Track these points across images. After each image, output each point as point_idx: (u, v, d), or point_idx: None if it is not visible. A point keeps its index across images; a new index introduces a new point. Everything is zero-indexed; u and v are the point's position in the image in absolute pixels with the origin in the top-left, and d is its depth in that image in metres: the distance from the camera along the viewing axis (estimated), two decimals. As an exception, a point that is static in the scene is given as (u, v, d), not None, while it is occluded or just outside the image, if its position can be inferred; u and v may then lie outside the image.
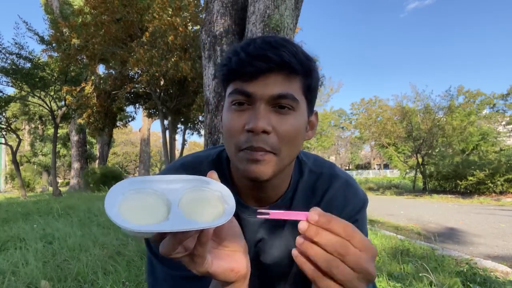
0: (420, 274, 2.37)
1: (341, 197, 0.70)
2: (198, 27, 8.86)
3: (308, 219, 0.38)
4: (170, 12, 8.54)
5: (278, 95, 0.54)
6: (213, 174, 0.45)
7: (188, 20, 8.80)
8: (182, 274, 0.60)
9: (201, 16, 9.11)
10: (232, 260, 0.47)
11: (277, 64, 0.52)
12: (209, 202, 0.42)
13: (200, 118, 14.29)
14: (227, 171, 0.68)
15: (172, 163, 0.74)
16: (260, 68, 0.52)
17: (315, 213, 0.39)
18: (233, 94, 0.56)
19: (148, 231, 0.36)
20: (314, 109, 0.65)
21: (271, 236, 0.70)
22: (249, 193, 0.66)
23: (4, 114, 13.59)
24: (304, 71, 0.56)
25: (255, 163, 0.55)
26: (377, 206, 8.89)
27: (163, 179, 0.42)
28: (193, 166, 0.69)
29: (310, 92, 0.59)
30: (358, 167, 49.77)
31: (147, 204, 0.39)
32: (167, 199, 0.40)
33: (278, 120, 0.55)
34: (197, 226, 0.38)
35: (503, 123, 30.29)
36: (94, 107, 11.74)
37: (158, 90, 11.57)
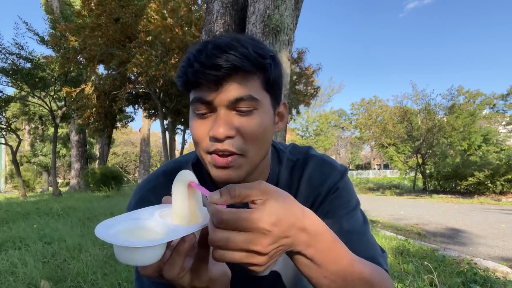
0: (422, 275, 2.37)
1: (318, 175, 0.70)
2: (194, 28, 8.89)
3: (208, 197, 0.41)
4: (165, 15, 8.56)
5: (236, 99, 0.54)
6: (167, 199, 0.49)
7: (182, 21, 8.80)
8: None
9: (197, 15, 9.13)
10: (222, 264, 0.50)
11: (229, 69, 0.53)
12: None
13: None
14: (206, 172, 0.69)
15: (155, 170, 0.75)
16: (214, 77, 0.53)
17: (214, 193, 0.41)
18: (194, 103, 0.57)
19: (152, 244, 0.38)
20: (282, 99, 0.66)
21: None
22: None
23: (4, 114, 13.61)
24: (260, 68, 0.56)
25: (223, 169, 0.56)
26: (377, 206, 8.89)
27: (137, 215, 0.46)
28: (173, 172, 0.72)
29: (272, 85, 0.59)
30: (358, 167, 49.79)
31: (140, 229, 0.43)
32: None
33: (241, 122, 0.55)
34: (191, 229, 0.42)
35: (503, 123, 30.33)
36: (94, 108, 11.74)
37: (157, 91, 11.58)
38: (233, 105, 0.55)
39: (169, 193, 0.69)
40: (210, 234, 0.39)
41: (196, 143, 0.59)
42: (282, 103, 0.66)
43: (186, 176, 0.45)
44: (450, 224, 5.66)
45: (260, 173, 0.67)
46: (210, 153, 0.57)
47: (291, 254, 0.43)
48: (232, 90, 0.54)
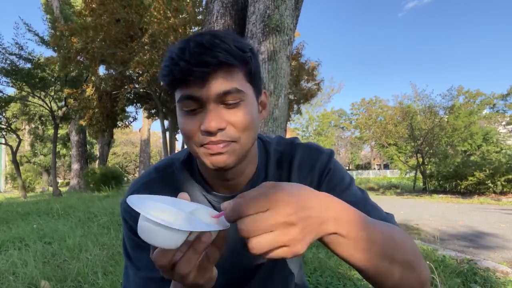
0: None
1: (307, 161, 0.73)
2: (198, 28, 8.88)
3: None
4: (168, 14, 8.54)
5: (223, 93, 0.57)
6: (184, 195, 0.50)
7: (186, 21, 8.80)
8: (149, 275, 0.66)
9: (200, 17, 9.12)
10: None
11: (215, 65, 0.55)
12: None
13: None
14: (197, 168, 0.73)
15: (148, 168, 0.78)
16: (202, 74, 0.55)
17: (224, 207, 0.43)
18: (182, 101, 0.59)
19: (180, 228, 0.40)
20: (262, 89, 0.69)
21: None
22: (218, 183, 0.70)
23: (4, 114, 13.61)
24: (242, 62, 0.59)
25: (218, 155, 0.59)
26: (377, 206, 8.87)
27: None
28: (164, 167, 0.74)
29: (253, 77, 0.62)
30: (358, 167, 49.79)
31: (168, 212, 0.43)
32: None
33: (230, 114, 0.58)
34: (212, 227, 0.44)
35: (503, 123, 30.33)
36: (96, 109, 11.74)
37: (158, 91, 11.58)
38: (221, 98, 0.57)
39: (160, 188, 0.71)
40: (238, 226, 0.40)
41: (188, 139, 0.61)
42: (263, 92, 0.69)
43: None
44: (450, 224, 5.66)
45: (247, 163, 0.69)
46: (202, 145, 0.59)
47: (324, 236, 0.44)
48: (219, 85, 0.56)
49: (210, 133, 0.57)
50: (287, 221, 0.39)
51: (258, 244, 0.39)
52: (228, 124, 0.58)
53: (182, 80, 0.57)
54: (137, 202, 0.42)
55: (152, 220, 0.39)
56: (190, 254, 0.45)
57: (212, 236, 0.46)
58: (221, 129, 0.57)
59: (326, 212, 0.43)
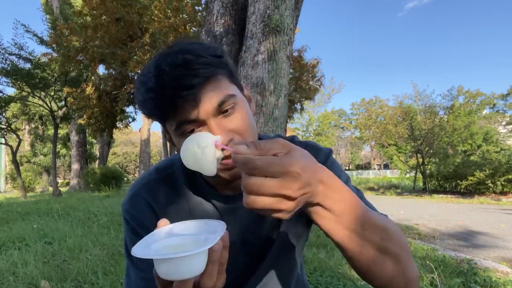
0: (422, 275, 2.37)
1: None
2: (198, 28, 8.88)
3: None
4: (169, 14, 8.54)
5: (219, 104, 0.57)
6: (162, 222, 0.50)
7: (186, 21, 8.80)
8: (150, 276, 0.64)
9: (199, 15, 9.12)
10: None
11: (203, 82, 0.55)
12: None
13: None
14: (200, 173, 0.72)
15: (149, 169, 0.78)
16: (191, 96, 0.54)
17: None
18: (180, 128, 0.58)
19: (202, 249, 0.39)
20: (242, 84, 0.69)
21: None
22: (220, 183, 0.70)
23: (4, 114, 13.61)
24: (222, 68, 0.59)
25: (233, 169, 0.59)
26: (377, 206, 8.78)
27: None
28: (165, 168, 0.74)
29: (232, 76, 0.63)
30: (358, 167, 49.78)
31: (176, 246, 0.44)
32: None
33: (231, 121, 0.59)
34: (218, 235, 0.43)
35: (503, 123, 30.32)
36: (95, 108, 11.74)
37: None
38: (218, 110, 0.57)
39: (160, 188, 0.71)
40: (243, 181, 0.40)
41: None
42: (244, 86, 0.69)
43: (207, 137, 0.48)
44: (450, 224, 5.66)
45: None
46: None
47: (310, 207, 0.44)
48: (211, 98, 0.56)
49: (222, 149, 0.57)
50: (289, 195, 0.39)
51: (253, 202, 0.39)
52: (235, 133, 0.58)
53: (173, 108, 0.56)
54: (144, 251, 0.42)
55: (174, 257, 0.38)
56: (210, 267, 0.44)
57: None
58: (230, 140, 0.57)
59: (318, 187, 0.43)
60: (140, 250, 0.42)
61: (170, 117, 0.58)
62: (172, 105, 0.55)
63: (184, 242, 0.45)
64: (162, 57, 0.57)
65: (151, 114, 0.60)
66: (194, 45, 0.59)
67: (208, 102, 0.56)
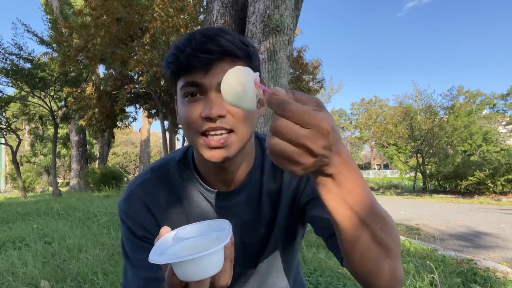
0: (422, 274, 2.37)
1: None
2: (199, 27, 8.87)
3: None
4: (171, 13, 8.53)
5: None
6: (164, 229, 0.50)
7: (188, 21, 8.80)
8: (148, 275, 0.66)
9: (201, 17, 9.12)
10: None
11: (220, 53, 0.58)
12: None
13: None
14: (193, 166, 0.73)
15: (144, 169, 0.79)
16: (206, 60, 0.57)
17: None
18: (185, 87, 0.60)
19: (219, 247, 0.40)
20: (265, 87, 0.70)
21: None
22: (215, 179, 0.71)
23: (4, 114, 13.60)
24: (245, 55, 0.61)
25: (217, 149, 0.60)
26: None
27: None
28: (159, 167, 0.75)
29: (252, 69, 0.63)
30: (358, 167, 49.70)
31: (190, 248, 0.45)
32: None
33: None
34: (228, 232, 0.44)
35: (503, 123, 30.30)
36: (96, 108, 11.74)
37: (158, 91, 11.58)
38: None
39: (155, 187, 0.72)
40: (273, 121, 0.39)
41: (187, 126, 0.62)
42: (262, 90, 0.69)
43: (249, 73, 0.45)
44: (450, 224, 5.66)
45: (244, 157, 0.69)
46: (202, 133, 0.60)
47: (322, 176, 0.43)
48: (222, 73, 0.56)
49: (210, 119, 0.58)
50: (313, 149, 0.38)
51: (277, 145, 0.38)
52: (228, 113, 0.59)
53: (187, 66, 0.59)
54: (162, 257, 0.42)
55: (197, 257, 0.39)
56: (225, 264, 0.45)
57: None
58: (221, 116, 0.58)
59: (335, 158, 0.41)
60: (157, 256, 0.42)
61: (182, 75, 0.61)
62: (188, 63, 0.58)
63: (197, 243, 0.45)
64: (201, 28, 0.61)
65: (168, 67, 0.62)
66: (232, 31, 0.62)
67: (217, 75, 0.58)
